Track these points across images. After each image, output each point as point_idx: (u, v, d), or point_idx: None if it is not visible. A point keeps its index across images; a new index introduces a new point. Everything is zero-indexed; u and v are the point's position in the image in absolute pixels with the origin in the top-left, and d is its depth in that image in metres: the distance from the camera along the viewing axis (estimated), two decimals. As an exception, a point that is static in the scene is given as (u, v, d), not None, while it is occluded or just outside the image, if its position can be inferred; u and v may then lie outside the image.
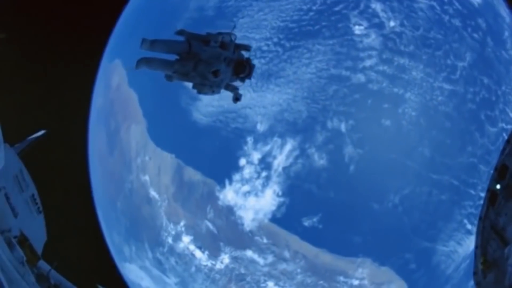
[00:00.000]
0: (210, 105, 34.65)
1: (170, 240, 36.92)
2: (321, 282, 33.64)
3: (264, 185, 33.26)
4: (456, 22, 33.61)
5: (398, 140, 31.95)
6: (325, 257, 33.19)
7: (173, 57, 11.22)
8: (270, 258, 34.16)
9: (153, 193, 37.50)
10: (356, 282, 33.12)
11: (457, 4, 34.01)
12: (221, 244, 35.42)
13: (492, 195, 13.93)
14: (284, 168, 32.62)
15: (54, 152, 29.52)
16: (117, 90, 39.72)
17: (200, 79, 11.15)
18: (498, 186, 13.81)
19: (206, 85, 11.28)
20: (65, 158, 33.08)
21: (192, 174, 36.25)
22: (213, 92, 11.57)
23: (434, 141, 32.05)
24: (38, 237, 20.00)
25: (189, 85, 11.60)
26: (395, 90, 31.92)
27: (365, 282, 33.17)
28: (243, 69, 11.56)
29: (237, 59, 11.51)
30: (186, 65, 10.97)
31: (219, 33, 11.36)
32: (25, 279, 15.93)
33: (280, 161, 32.68)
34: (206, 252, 36.01)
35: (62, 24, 32.66)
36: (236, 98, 11.98)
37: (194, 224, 36.34)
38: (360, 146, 31.31)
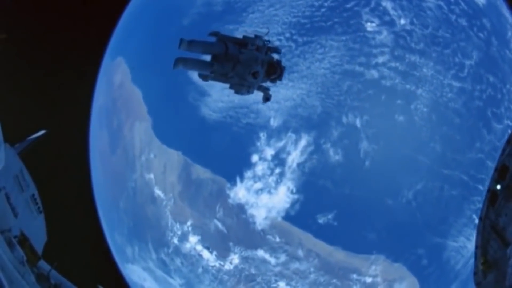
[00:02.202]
0: (220, 101, 33.97)
1: (175, 240, 35.73)
2: (334, 280, 33.22)
3: (278, 182, 32.68)
4: (463, 21, 34.45)
5: (411, 135, 32.25)
6: (339, 255, 32.85)
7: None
8: (283, 258, 33.49)
9: (158, 192, 36.29)
10: (369, 280, 32.89)
11: (463, 4, 34.90)
12: (231, 244, 34.51)
13: (492, 195, 13.86)
14: (299, 164, 32.21)
15: (54, 151, 28.81)
16: (120, 87, 38.53)
17: (239, 80, 11.69)
18: (498, 187, 13.72)
19: (244, 86, 11.82)
20: (65, 157, 32.24)
21: (200, 172, 35.28)
22: (248, 93, 12.14)
23: (445, 137, 32.54)
24: (39, 237, 19.52)
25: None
26: (407, 86, 32.33)
27: (378, 279, 32.99)
28: (275, 70, 12.10)
29: (269, 61, 12.10)
30: (225, 66, 11.43)
31: (255, 37, 11.97)
32: (26, 279, 15.48)
33: (294, 157, 32.23)
34: (214, 253, 35.01)
35: (63, 21, 31.71)
36: (267, 98, 12.43)
37: (202, 224, 35.30)
38: (375, 141, 31.40)
